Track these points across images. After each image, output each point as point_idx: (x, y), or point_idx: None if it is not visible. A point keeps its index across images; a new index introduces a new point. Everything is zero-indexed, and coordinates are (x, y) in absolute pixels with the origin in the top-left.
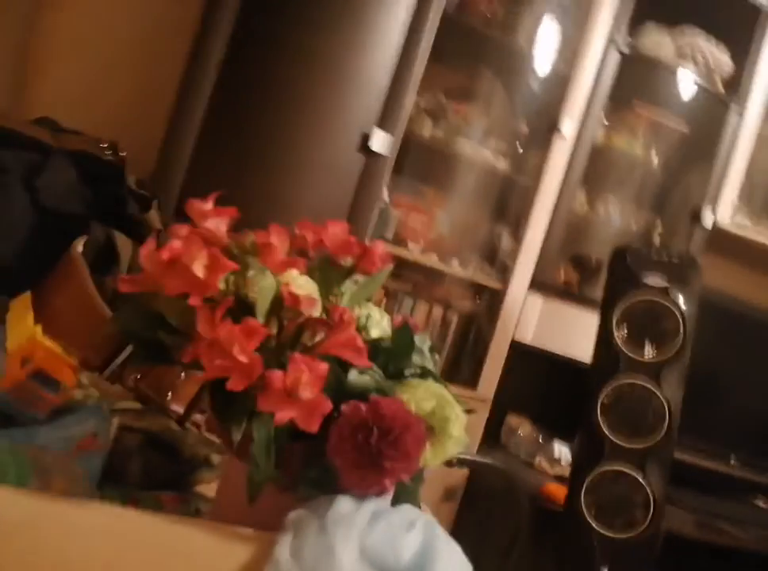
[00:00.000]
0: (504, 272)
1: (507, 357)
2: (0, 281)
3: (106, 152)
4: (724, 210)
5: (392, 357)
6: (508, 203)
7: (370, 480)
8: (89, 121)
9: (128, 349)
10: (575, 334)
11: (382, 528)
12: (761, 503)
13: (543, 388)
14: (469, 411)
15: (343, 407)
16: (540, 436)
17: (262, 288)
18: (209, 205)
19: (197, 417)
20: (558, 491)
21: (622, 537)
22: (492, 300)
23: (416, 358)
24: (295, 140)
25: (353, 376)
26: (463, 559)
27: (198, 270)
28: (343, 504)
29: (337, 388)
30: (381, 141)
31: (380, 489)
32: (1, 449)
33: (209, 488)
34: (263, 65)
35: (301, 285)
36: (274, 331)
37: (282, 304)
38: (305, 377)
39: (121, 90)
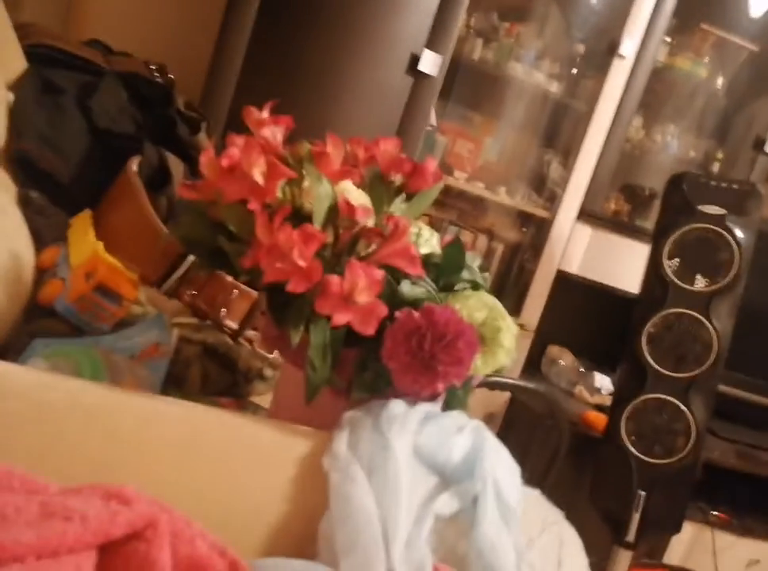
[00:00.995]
0: (553, 201)
1: (551, 287)
2: (58, 199)
3: (155, 74)
4: None
5: (443, 272)
6: (559, 129)
7: (423, 384)
8: (136, 44)
9: (185, 264)
10: (623, 265)
11: (434, 429)
12: None
13: (587, 319)
14: (521, 327)
15: (398, 313)
16: (581, 366)
17: (318, 195)
18: (265, 113)
19: (251, 333)
20: (598, 419)
21: (661, 463)
22: (538, 230)
23: (465, 274)
24: (343, 61)
25: (406, 286)
26: (511, 460)
27: (257, 175)
28: (396, 406)
29: (390, 299)
30: (430, 62)
31: (432, 392)
32: (75, 348)
33: (262, 400)
34: None
35: (356, 196)
36: (330, 239)
37: (337, 213)
38: (362, 282)
39: (168, 12)
